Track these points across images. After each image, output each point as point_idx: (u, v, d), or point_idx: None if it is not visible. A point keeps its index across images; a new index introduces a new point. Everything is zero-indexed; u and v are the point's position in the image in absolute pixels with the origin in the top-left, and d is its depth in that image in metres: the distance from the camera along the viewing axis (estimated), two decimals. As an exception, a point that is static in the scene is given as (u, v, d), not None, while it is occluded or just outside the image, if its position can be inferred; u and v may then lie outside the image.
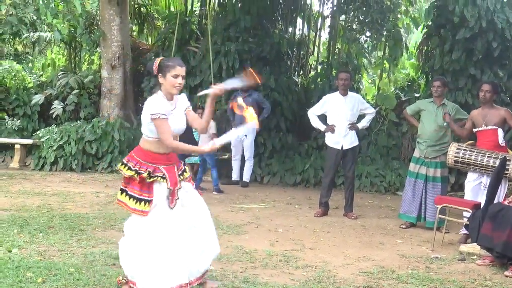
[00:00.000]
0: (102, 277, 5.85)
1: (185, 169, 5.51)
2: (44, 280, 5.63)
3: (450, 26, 12.85)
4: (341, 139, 9.93)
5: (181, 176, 5.39)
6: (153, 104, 5.17)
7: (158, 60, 5.31)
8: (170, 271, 5.11)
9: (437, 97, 9.38)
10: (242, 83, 5.89)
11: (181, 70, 5.25)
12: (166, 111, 5.18)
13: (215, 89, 5.47)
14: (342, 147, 9.93)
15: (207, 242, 5.45)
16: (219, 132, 13.64)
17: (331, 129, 9.96)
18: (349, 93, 10.09)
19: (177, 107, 5.39)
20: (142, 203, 5.13)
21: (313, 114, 10.22)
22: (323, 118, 10.26)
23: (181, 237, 5.23)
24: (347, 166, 10.08)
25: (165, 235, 5.13)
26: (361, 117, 10.25)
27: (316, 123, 10.23)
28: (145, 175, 5.14)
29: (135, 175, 5.17)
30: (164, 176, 5.21)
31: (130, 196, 5.18)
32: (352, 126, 9.96)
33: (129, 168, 5.21)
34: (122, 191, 5.27)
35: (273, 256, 7.13)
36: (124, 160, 5.31)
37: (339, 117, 9.94)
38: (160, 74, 5.25)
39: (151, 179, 5.16)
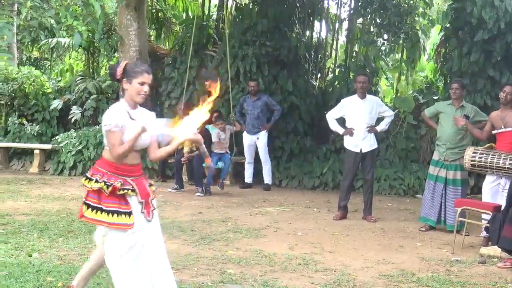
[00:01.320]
0: (122, 281, 5.86)
1: (150, 183, 5.17)
2: (64, 284, 5.65)
3: (468, 28, 12.79)
4: (360, 142, 9.90)
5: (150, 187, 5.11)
6: (108, 114, 4.86)
7: (123, 63, 4.97)
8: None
9: (455, 99, 9.33)
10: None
11: (148, 77, 4.92)
12: (120, 123, 4.83)
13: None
14: (361, 150, 9.91)
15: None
16: (236, 136, 13.72)
17: (350, 132, 9.94)
18: (368, 96, 10.07)
19: (143, 118, 5.01)
20: (125, 216, 4.76)
21: (331, 117, 10.21)
22: (341, 121, 10.25)
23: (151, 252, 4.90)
24: (366, 169, 10.05)
25: (141, 250, 4.83)
26: (379, 120, 10.22)
27: (334, 126, 10.22)
28: (117, 185, 4.78)
29: (104, 187, 4.77)
30: (134, 188, 4.88)
31: (108, 212, 4.76)
32: (371, 129, 9.93)
33: (96, 181, 4.80)
34: (93, 208, 4.81)
35: (292, 260, 7.13)
36: (88, 174, 4.92)
37: (357, 120, 9.92)
38: (125, 79, 4.90)
39: (122, 192, 4.80)
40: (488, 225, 7.71)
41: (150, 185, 5.17)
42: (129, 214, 4.79)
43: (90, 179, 4.86)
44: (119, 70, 4.93)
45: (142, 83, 4.89)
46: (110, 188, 4.77)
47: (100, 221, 4.80)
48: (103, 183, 4.78)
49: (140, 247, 4.82)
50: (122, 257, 4.78)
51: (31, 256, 6.76)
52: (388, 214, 10.75)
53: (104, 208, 4.78)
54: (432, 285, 6.31)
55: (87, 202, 4.86)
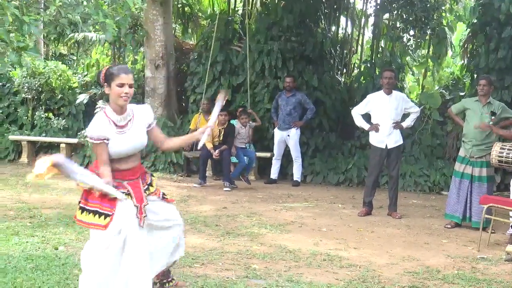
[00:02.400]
0: (147, 274, 5.89)
1: (151, 182, 5.11)
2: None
3: (496, 24, 12.68)
4: (385, 138, 9.86)
5: (146, 191, 4.98)
6: (91, 126, 4.77)
7: (105, 68, 4.84)
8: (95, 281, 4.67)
9: (483, 96, 9.25)
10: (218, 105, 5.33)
11: (126, 77, 4.72)
12: (103, 134, 4.73)
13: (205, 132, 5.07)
14: (386, 146, 9.87)
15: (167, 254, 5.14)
16: (261, 132, 13.74)
17: (375, 128, 9.90)
18: (394, 92, 10.01)
19: (134, 121, 4.91)
20: (102, 217, 4.65)
21: (357, 113, 10.18)
22: (367, 117, 10.21)
23: (140, 255, 4.73)
24: (391, 165, 10.01)
25: (129, 252, 4.68)
26: (405, 116, 10.16)
27: (360, 122, 10.18)
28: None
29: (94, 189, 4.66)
30: (129, 192, 4.80)
31: (90, 211, 4.69)
32: (397, 125, 9.88)
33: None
34: (82, 209, 4.77)
35: (317, 255, 7.12)
36: None
37: (383, 116, 9.87)
38: (105, 83, 4.77)
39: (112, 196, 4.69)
40: (515, 222, 7.65)
41: (150, 185, 5.09)
42: (109, 216, 4.66)
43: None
44: (101, 76, 4.82)
45: (121, 85, 4.72)
46: (98, 193, 4.68)
47: (80, 221, 4.78)
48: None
49: (117, 249, 4.67)
50: (96, 255, 4.68)
51: (57, 249, 6.81)
52: (414, 211, 10.70)
53: (87, 208, 4.73)
54: (457, 282, 6.28)
55: (80, 205, 4.81)
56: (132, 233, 4.69)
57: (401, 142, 10.04)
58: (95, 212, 4.68)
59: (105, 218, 4.65)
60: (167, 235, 5.13)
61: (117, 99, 4.75)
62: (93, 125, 4.76)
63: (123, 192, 4.75)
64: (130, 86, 4.75)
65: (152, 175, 5.19)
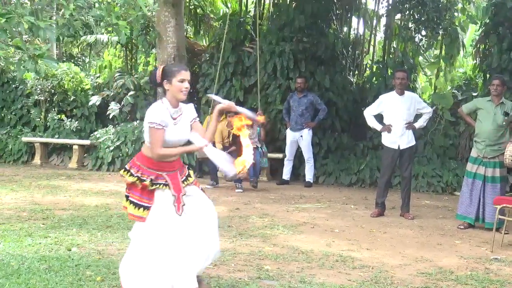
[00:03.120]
0: (160, 276, 5.90)
1: (189, 173, 5.39)
2: (103, 278, 5.71)
3: (509, 24, 12.65)
4: (398, 138, 9.83)
5: (185, 182, 5.27)
6: (152, 112, 5.08)
7: (160, 67, 5.22)
8: (164, 279, 4.98)
9: (495, 96, 9.20)
10: (251, 116, 5.48)
11: (186, 74, 5.14)
12: (164, 121, 5.06)
13: (225, 104, 5.28)
14: (398, 146, 9.84)
15: (207, 247, 5.25)
16: (274, 133, 13.74)
17: (388, 128, 9.87)
18: (406, 92, 9.98)
19: (183, 116, 5.27)
20: (141, 209, 5.02)
21: (369, 114, 10.16)
22: (379, 117, 10.19)
23: (183, 244, 5.06)
24: (403, 166, 9.98)
25: (168, 242, 5.00)
26: (417, 116, 10.13)
27: (372, 123, 10.16)
28: (147, 182, 5.03)
29: (137, 181, 5.05)
30: (167, 183, 5.11)
31: (131, 202, 5.08)
32: (409, 126, 9.85)
33: (131, 174, 5.09)
34: (126, 198, 5.14)
35: (329, 256, 7.11)
36: (127, 166, 5.20)
37: (395, 116, 9.85)
38: (165, 80, 5.13)
39: (153, 187, 5.06)
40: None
41: (189, 176, 5.37)
42: (147, 208, 5.04)
43: (128, 171, 5.14)
44: (158, 74, 5.18)
45: (182, 80, 5.10)
46: (141, 185, 5.04)
47: (126, 208, 5.14)
48: (136, 178, 5.06)
49: (158, 239, 4.99)
50: (141, 246, 5.03)
51: (70, 250, 6.83)
52: (426, 212, 10.67)
53: (129, 197, 5.10)
54: (471, 283, 6.25)
55: (126, 194, 5.16)
56: (169, 222, 5.04)
57: (413, 142, 10.01)
58: (135, 204, 5.05)
59: (144, 210, 5.03)
60: (204, 228, 5.27)
61: (178, 93, 5.12)
62: (154, 111, 5.08)
63: (161, 184, 5.08)
64: (189, 81, 5.18)
65: (189, 168, 5.49)
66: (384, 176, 10.11)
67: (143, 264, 4.98)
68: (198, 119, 5.43)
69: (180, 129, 5.20)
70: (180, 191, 5.16)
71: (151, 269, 4.97)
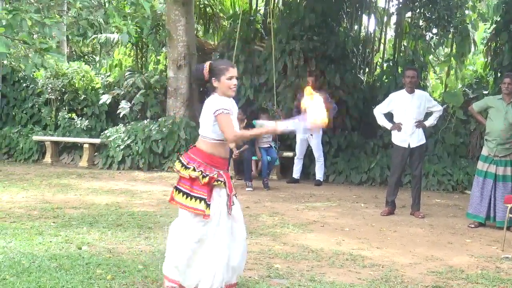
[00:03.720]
0: (169, 274, 5.91)
1: (231, 176, 5.42)
2: (113, 277, 5.72)
3: (520, 22, 12.58)
4: (408, 137, 9.81)
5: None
6: (218, 101, 5.13)
7: (207, 65, 5.21)
8: (215, 274, 5.11)
9: (507, 94, 9.16)
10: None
11: (234, 71, 5.20)
12: (229, 107, 5.13)
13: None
14: (409, 145, 9.82)
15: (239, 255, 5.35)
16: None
17: (398, 127, 9.84)
18: (416, 90, 9.95)
19: (233, 111, 5.30)
20: (203, 202, 5.03)
21: (379, 112, 10.13)
22: (389, 116, 10.16)
23: (227, 243, 5.19)
24: (414, 165, 9.96)
25: (221, 239, 5.13)
26: (428, 114, 10.10)
27: (382, 121, 10.13)
28: (215, 176, 5.07)
29: (200, 177, 5.05)
30: (225, 181, 5.16)
31: (194, 197, 5.07)
32: (419, 124, 9.82)
33: (194, 170, 5.08)
34: (179, 190, 5.16)
35: (339, 255, 7.10)
36: (184, 161, 5.20)
37: (405, 115, 9.82)
38: (214, 78, 5.17)
39: (216, 183, 5.10)
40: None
41: (231, 178, 5.46)
42: (209, 205, 5.06)
43: (186, 167, 5.13)
44: (206, 72, 5.19)
45: (231, 78, 5.17)
46: (206, 179, 5.05)
47: (187, 207, 5.09)
48: (200, 173, 5.07)
49: (211, 236, 5.12)
50: (185, 241, 5.10)
51: (81, 249, 6.85)
52: (437, 210, 10.65)
53: (193, 194, 5.08)
54: (481, 282, 6.24)
55: (178, 187, 5.17)
56: (221, 221, 5.17)
57: (424, 141, 9.98)
58: (201, 199, 5.05)
59: (206, 206, 5.05)
60: (242, 233, 5.40)
61: (227, 90, 5.19)
62: (219, 100, 5.15)
63: (221, 181, 5.15)
64: (237, 78, 5.26)
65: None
66: (394, 174, 10.09)
67: (188, 258, 5.10)
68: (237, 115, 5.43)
69: (235, 121, 5.25)
70: (232, 191, 5.25)
71: (198, 263, 5.12)
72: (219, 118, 5.07)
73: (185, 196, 5.10)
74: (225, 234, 5.15)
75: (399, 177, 10.18)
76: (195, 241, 5.10)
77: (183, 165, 5.17)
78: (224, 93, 5.19)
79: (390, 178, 10.44)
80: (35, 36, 7.63)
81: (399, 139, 9.90)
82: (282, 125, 5.17)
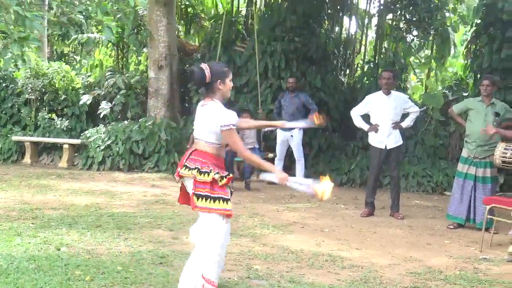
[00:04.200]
0: (149, 275, 5.91)
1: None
2: (92, 278, 5.70)
3: (499, 24, 12.63)
4: (385, 138, 9.85)
5: None
6: (226, 114, 5.12)
7: (207, 67, 5.20)
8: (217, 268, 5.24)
9: (486, 96, 9.23)
10: (306, 124, 5.82)
11: (231, 73, 5.33)
12: (235, 121, 5.16)
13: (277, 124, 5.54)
14: (385, 146, 9.86)
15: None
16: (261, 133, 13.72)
17: (375, 128, 9.89)
18: (393, 92, 10.01)
19: None
20: (225, 202, 5.12)
21: (356, 114, 10.17)
22: (367, 117, 10.20)
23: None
24: (391, 166, 10.01)
25: (225, 235, 5.24)
26: (405, 116, 10.13)
27: (359, 123, 10.17)
28: (217, 176, 5.10)
29: (219, 178, 5.10)
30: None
31: (215, 199, 5.11)
32: (396, 125, 9.87)
33: (210, 173, 5.10)
34: (204, 197, 5.12)
35: (319, 256, 7.12)
36: (192, 166, 5.15)
37: (382, 116, 9.87)
38: (219, 80, 5.19)
39: (222, 182, 5.14)
40: (517, 223, 7.63)
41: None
42: (229, 200, 5.18)
43: (201, 172, 5.13)
44: (208, 74, 5.18)
45: (231, 80, 5.32)
46: (225, 180, 5.12)
47: (212, 209, 5.12)
48: (219, 175, 5.11)
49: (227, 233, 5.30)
50: (216, 241, 5.17)
51: (60, 250, 6.82)
52: (416, 211, 10.70)
53: (216, 196, 5.13)
54: (459, 283, 6.27)
55: (197, 193, 5.15)
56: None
57: (401, 142, 10.02)
58: (221, 199, 5.13)
59: (227, 203, 5.15)
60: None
61: (228, 92, 5.33)
62: (228, 114, 5.15)
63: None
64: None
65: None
66: (372, 176, 10.15)
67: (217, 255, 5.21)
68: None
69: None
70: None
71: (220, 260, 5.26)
72: (228, 133, 5.11)
73: (208, 200, 5.12)
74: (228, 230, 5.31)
75: (376, 178, 10.23)
76: (223, 239, 5.21)
77: (198, 171, 5.14)
78: (224, 96, 5.27)
79: (368, 179, 10.49)
80: (10, 26, 7.58)
81: (376, 140, 9.95)
82: (291, 182, 5.28)
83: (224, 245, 5.25)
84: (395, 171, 10.01)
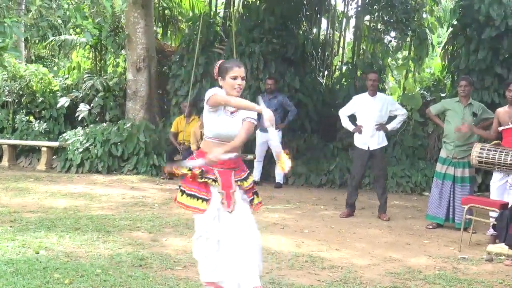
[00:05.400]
0: (128, 278, 5.88)
1: (246, 177, 5.33)
2: (71, 281, 5.67)
3: (476, 25, 12.71)
4: (368, 139, 9.88)
5: (238, 182, 5.23)
6: (211, 90, 5.15)
7: (218, 63, 5.30)
8: (207, 268, 5.19)
9: (463, 97, 9.30)
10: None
11: (239, 71, 5.14)
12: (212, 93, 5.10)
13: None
14: (368, 148, 9.89)
15: (246, 265, 5.14)
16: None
17: (359, 129, 9.93)
18: (379, 94, 10.06)
19: (239, 112, 5.23)
20: (200, 200, 5.06)
21: (343, 114, 10.21)
22: (353, 118, 10.23)
23: (225, 242, 5.11)
24: (377, 167, 10.04)
25: (212, 236, 5.10)
26: (391, 118, 10.17)
27: (346, 123, 10.21)
28: (197, 172, 5.06)
29: (188, 172, 5.09)
30: (216, 179, 5.12)
31: (188, 195, 5.11)
32: (380, 127, 9.90)
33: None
34: (182, 192, 5.17)
35: (299, 257, 7.13)
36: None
37: (367, 117, 9.90)
38: (220, 77, 5.22)
39: (202, 180, 5.09)
40: (495, 222, 7.68)
41: (245, 180, 5.31)
42: (206, 200, 5.09)
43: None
44: (215, 70, 5.30)
45: (235, 77, 5.14)
46: (191, 174, 5.10)
47: (182, 204, 5.15)
48: (187, 169, 5.11)
49: (211, 234, 5.10)
50: (199, 238, 5.16)
51: (38, 253, 6.77)
52: (395, 212, 10.73)
53: (186, 191, 5.14)
54: (439, 282, 6.31)
55: (180, 187, 5.22)
56: (221, 217, 5.13)
57: (385, 143, 10.07)
58: (193, 196, 5.11)
59: (202, 202, 5.09)
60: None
61: (231, 90, 5.17)
62: (212, 90, 5.17)
63: (210, 178, 5.12)
64: (242, 78, 5.19)
65: (249, 174, 5.43)
66: (354, 176, 10.16)
67: (201, 254, 5.19)
68: (251, 119, 5.25)
69: (235, 123, 5.21)
70: (230, 188, 5.16)
71: (208, 259, 5.17)
72: (210, 99, 5.10)
73: (181, 193, 5.18)
74: (224, 231, 5.12)
75: (359, 179, 10.24)
76: (199, 237, 5.17)
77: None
78: (228, 93, 5.17)
79: (350, 180, 10.51)
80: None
81: (360, 141, 9.98)
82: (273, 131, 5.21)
83: (202, 246, 5.22)
84: (381, 171, 10.05)
